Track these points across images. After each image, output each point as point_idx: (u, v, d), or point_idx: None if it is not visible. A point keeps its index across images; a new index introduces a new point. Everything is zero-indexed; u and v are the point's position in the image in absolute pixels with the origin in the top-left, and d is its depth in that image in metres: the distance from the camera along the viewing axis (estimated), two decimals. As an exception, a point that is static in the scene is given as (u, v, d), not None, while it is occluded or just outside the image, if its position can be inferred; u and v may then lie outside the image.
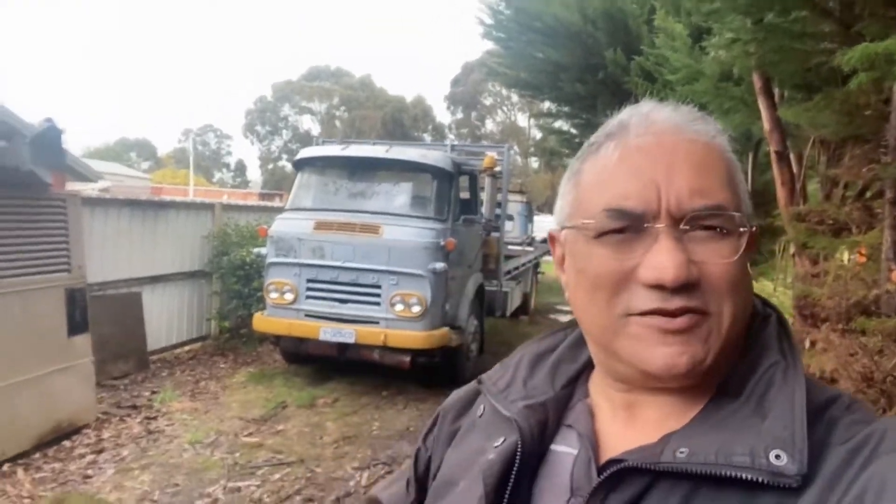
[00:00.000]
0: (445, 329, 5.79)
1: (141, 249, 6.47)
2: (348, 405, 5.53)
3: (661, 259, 0.58)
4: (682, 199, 0.59)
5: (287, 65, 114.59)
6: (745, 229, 0.60)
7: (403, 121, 46.92)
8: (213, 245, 7.46)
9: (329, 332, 5.67)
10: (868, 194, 5.24)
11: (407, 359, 5.70)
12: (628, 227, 0.61)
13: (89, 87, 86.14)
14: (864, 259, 5.13)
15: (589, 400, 0.72)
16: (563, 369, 0.75)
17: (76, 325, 4.43)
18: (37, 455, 4.03)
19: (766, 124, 5.73)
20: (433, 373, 6.00)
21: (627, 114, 0.66)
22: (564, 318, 11.29)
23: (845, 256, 5.08)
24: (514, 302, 8.68)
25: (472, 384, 0.82)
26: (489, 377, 0.79)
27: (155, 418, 4.87)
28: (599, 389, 0.71)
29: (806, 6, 4.48)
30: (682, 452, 0.58)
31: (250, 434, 4.72)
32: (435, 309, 5.68)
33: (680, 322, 0.59)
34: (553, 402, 0.72)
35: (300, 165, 6.55)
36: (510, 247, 8.80)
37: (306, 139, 51.09)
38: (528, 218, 13.81)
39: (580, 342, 0.76)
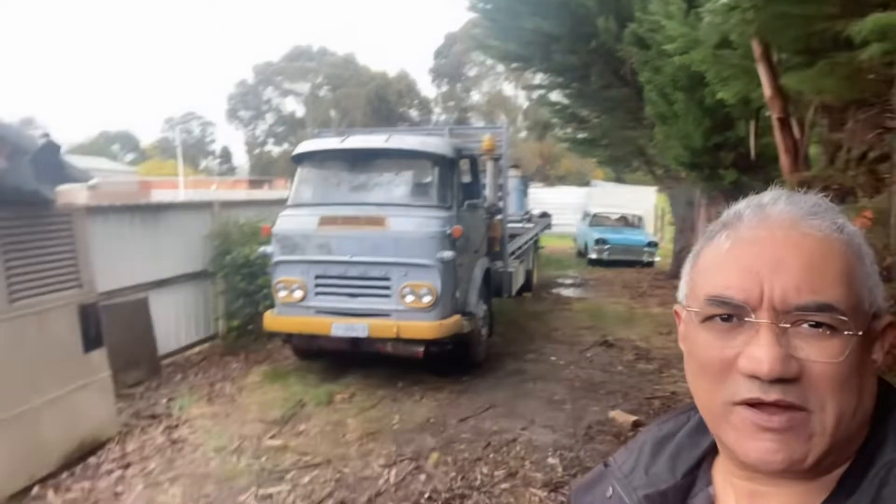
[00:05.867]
0: (457, 317, 5.80)
1: (143, 254, 6.41)
2: (366, 399, 5.55)
3: (758, 352, 0.60)
4: (788, 294, 0.60)
5: (268, 46, 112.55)
6: (851, 333, 0.60)
7: (388, 97, 46.38)
8: (214, 244, 7.39)
9: (341, 328, 5.67)
10: (870, 157, 5.24)
11: (420, 349, 5.71)
12: (732, 315, 0.62)
13: (66, 81, 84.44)
14: (869, 224, 5.12)
15: (711, 489, 0.72)
16: (684, 456, 0.76)
17: (91, 340, 4.40)
18: (64, 475, 4.02)
19: (766, 91, 5.69)
20: (446, 360, 6.02)
21: (745, 204, 0.68)
22: (567, 292, 11.34)
23: (853, 223, 5.08)
24: (519, 281, 8.70)
25: (599, 466, 0.84)
26: (615, 460, 0.80)
27: (176, 426, 4.87)
28: (725, 477, 0.71)
29: (807, -29, 4.41)
30: None
31: (273, 437, 4.74)
32: (445, 298, 5.68)
33: (777, 421, 0.60)
34: (674, 490, 0.73)
35: (299, 160, 6.46)
36: (511, 225, 8.78)
37: (292, 122, 50.47)
38: (524, 192, 13.78)
39: (702, 427, 0.75)
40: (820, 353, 0.59)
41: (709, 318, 0.64)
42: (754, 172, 9.59)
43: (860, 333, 0.60)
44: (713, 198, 10.66)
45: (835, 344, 0.59)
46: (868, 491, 0.60)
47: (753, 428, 0.61)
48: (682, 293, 0.72)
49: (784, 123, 5.79)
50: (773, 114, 5.85)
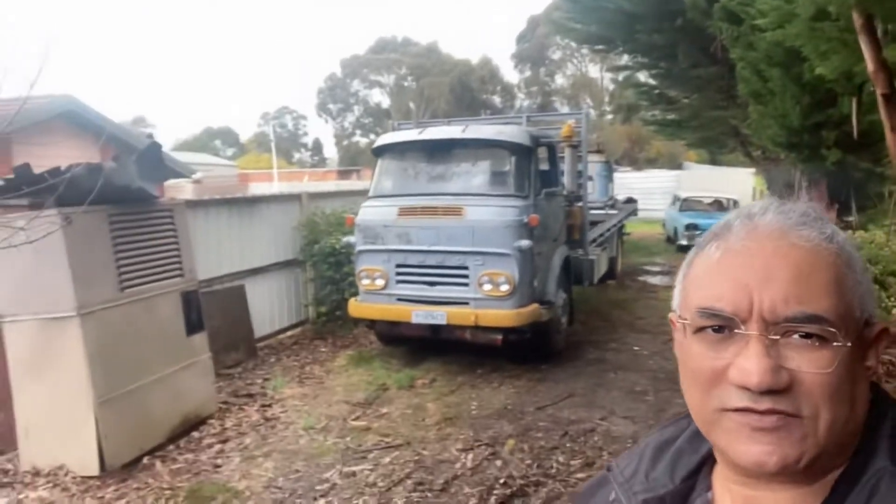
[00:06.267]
0: (535, 305, 5.81)
1: (240, 244, 6.86)
2: (445, 385, 5.70)
3: (747, 364, 0.60)
4: (776, 305, 0.60)
5: (355, 38, 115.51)
6: (840, 344, 0.60)
7: (471, 84, 46.31)
8: (303, 234, 7.77)
9: (421, 315, 5.83)
10: None
11: (498, 337, 5.78)
12: (723, 327, 0.63)
13: (174, 81, 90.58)
14: None
15: (710, 494, 0.73)
16: (683, 461, 0.76)
17: (193, 325, 4.79)
18: (171, 447, 4.43)
19: (869, 65, 5.28)
20: (525, 349, 6.06)
21: (735, 215, 0.68)
22: (653, 280, 11.02)
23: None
24: (601, 269, 8.55)
25: (602, 471, 0.85)
26: (617, 465, 0.81)
27: (270, 406, 5.22)
28: (722, 483, 0.72)
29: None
30: None
31: (357, 418, 4.98)
32: (523, 286, 5.71)
33: (770, 421, 0.60)
34: (672, 496, 0.74)
35: (380, 152, 6.67)
36: (593, 212, 8.63)
37: (377, 113, 51.53)
38: (608, 178, 13.42)
39: (701, 433, 0.76)
40: (810, 364, 0.60)
41: (700, 329, 0.65)
42: (859, 152, 8.90)
43: (849, 344, 0.60)
44: (815, 179, 10.00)
45: (825, 354, 0.60)
46: (859, 498, 0.61)
47: (746, 429, 0.61)
48: (675, 302, 0.72)
49: (889, 100, 5.35)
50: (878, 89, 5.42)
